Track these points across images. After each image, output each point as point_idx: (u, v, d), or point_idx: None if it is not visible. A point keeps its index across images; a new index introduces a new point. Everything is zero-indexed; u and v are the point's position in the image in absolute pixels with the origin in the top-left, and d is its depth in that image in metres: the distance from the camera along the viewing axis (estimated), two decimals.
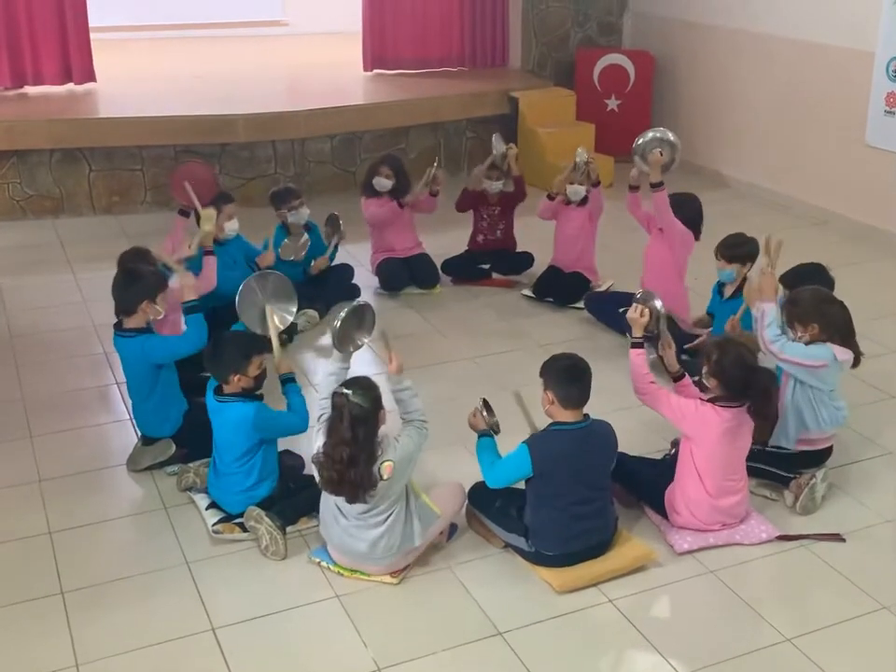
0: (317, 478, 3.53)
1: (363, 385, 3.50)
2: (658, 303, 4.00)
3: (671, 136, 5.38)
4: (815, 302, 4.06)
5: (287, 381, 4.09)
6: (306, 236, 5.92)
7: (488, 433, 3.79)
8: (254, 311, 4.27)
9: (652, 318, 3.93)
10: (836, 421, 4.11)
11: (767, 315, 4.00)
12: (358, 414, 3.42)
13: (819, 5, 7.33)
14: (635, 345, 3.91)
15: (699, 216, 5.31)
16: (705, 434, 3.72)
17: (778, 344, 3.97)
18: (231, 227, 5.36)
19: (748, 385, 3.65)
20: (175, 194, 5.20)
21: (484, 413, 3.79)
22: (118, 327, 4.30)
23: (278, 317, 4.35)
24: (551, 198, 6.02)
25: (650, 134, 5.41)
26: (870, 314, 5.72)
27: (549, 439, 3.60)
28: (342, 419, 3.42)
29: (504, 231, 6.43)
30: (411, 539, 3.59)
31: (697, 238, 5.31)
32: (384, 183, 6.12)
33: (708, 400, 3.77)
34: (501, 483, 3.67)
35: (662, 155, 5.27)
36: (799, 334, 4.07)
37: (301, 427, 3.95)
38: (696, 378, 3.97)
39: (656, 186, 5.20)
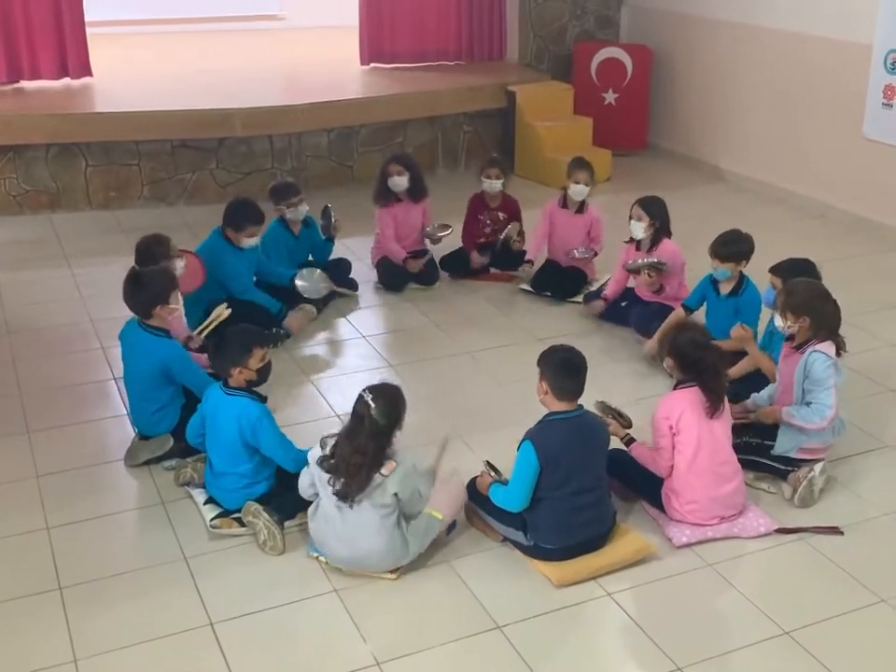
0: (316, 460, 3.54)
1: (387, 400, 3.50)
2: (609, 404, 4.14)
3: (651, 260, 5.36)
4: (810, 296, 4.08)
5: None
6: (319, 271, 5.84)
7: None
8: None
9: (619, 416, 4.10)
10: (821, 413, 4.07)
11: (794, 416, 4.05)
12: (373, 430, 3.46)
13: None
14: (628, 444, 4.00)
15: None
16: (683, 423, 3.77)
17: (801, 419, 4.04)
18: (250, 242, 5.42)
19: (699, 361, 3.79)
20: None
21: (492, 473, 3.81)
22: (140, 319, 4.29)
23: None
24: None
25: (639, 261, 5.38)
26: (867, 307, 5.73)
27: (547, 428, 3.61)
28: (361, 428, 3.46)
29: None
30: (405, 555, 3.59)
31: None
32: (398, 182, 6.03)
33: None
34: (523, 495, 3.59)
35: (651, 277, 5.29)
36: (789, 323, 4.09)
37: (289, 462, 3.87)
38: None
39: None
